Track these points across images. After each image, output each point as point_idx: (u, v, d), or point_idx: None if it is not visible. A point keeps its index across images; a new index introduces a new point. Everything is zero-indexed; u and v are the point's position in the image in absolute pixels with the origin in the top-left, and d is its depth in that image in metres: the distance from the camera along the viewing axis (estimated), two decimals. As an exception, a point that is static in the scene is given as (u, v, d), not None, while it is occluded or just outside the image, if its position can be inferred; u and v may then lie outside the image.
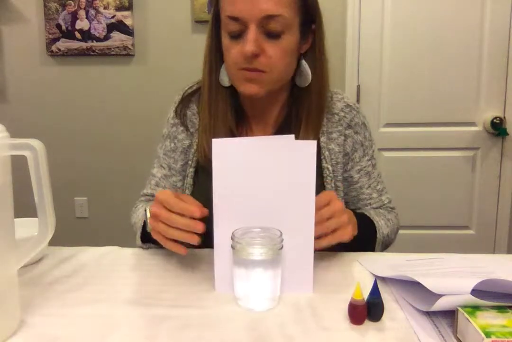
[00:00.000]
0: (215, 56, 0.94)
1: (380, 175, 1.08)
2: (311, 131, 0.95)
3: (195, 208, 0.72)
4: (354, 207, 1.05)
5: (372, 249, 0.95)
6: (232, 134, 0.96)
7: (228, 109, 0.96)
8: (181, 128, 1.03)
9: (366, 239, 0.93)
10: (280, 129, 0.99)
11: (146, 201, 1.06)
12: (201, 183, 1.00)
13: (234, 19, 0.84)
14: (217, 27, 0.92)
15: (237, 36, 0.85)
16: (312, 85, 0.94)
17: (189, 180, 1.00)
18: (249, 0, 0.82)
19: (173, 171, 1.04)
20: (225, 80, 0.95)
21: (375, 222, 0.96)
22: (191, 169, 1.00)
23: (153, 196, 1.05)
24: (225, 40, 0.88)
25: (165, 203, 0.74)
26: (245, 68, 0.86)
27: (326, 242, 0.76)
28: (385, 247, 1.00)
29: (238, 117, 0.99)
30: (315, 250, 0.73)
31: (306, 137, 0.93)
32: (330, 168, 0.98)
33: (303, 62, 0.93)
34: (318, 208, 0.73)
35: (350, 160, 1.02)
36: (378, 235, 0.94)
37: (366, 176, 1.03)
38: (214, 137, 0.92)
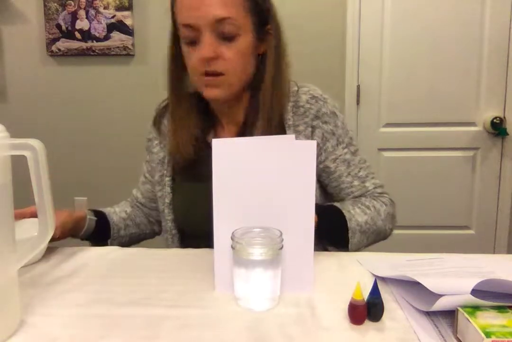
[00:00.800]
0: (177, 64, 0.97)
1: (364, 161, 1.05)
2: (274, 128, 0.96)
3: None
4: (338, 198, 1.04)
5: (346, 239, 0.93)
6: (195, 138, 1.00)
7: (192, 116, 1.00)
8: (156, 142, 1.09)
9: (335, 228, 0.93)
10: (244, 128, 1.00)
11: (127, 201, 1.19)
12: (180, 190, 1.05)
13: (188, 26, 0.87)
14: (177, 35, 0.95)
15: (193, 42, 0.89)
16: (266, 85, 0.95)
17: (167, 188, 1.05)
18: (198, 6, 0.85)
19: (147, 179, 1.14)
20: (190, 86, 0.99)
21: (344, 212, 0.94)
22: (167, 179, 1.05)
23: (134, 197, 1.18)
24: (184, 48, 0.92)
25: None
26: (205, 73, 0.90)
27: None
28: (376, 235, 0.98)
29: (209, 118, 1.04)
30: None
31: (269, 134, 0.95)
32: None
33: (261, 63, 0.96)
34: None
35: (323, 151, 1.00)
36: (350, 224, 0.93)
37: (343, 164, 1.01)
38: (178, 140, 0.99)
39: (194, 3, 0.86)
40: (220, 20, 0.86)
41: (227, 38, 0.88)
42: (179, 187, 1.05)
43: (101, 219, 1.06)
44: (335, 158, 1.01)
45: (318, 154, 1.00)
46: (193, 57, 0.90)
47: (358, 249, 0.97)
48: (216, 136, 1.03)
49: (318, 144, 0.99)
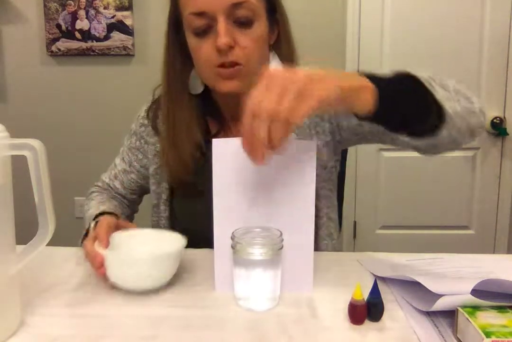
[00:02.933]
0: (180, 62, 0.90)
1: None
2: None
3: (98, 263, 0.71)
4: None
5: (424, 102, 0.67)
6: (199, 148, 0.91)
7: (194, 122, 0.91)
8: (153, 131, 1.00)
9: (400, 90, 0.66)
10: None
11: (102, 191, 1.08)
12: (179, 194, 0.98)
13: (199, 14, 0.80)
14: (174, 31, 0.88)
15: (204, 32, 0.81)
16: None
17: (165, 184, 0.98)
18: None
19: (133, 168, 1.05)
20: (196, 87, 0.91)
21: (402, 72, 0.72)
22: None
23: (110, 186, 1.08)
24: (192, 40, 0.84)
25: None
26: (221, 65, 0.82)
27: (290, 112, 0.55)
28: (464, 99, 0.72)
29: (216, 120, 0.96)
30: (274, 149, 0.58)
31: None
32: None
33: (273, 53, 0.89)
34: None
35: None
36: (418, 78, 0.69)
37: None
38: (180, 153, 0.89)
39: None
40: (237, 4, 0.79)
41: (243, 23, 0.81)
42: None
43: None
44: None
45: (334, 130, 0.93)
46: (205, 48, 0.82)
47: (456, 122, 0.70)
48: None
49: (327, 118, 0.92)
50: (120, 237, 0.77)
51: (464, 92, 0.74)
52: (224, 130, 0.96)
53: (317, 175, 0.91)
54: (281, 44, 0.90)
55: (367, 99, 0.62)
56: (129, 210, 1.09)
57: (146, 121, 1.02)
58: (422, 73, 0.72)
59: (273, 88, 0.56)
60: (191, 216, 0.97)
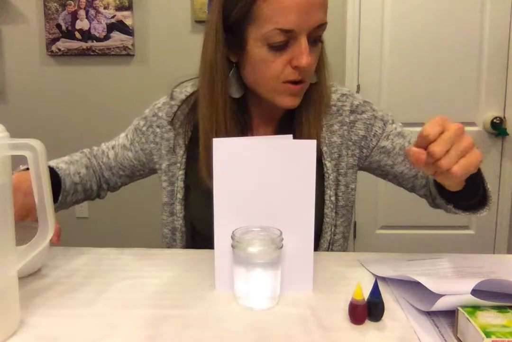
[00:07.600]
0: (225, 67, 0.87)
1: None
2: (314, 127, 0.92)
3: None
4: (410, 173, 0.98)
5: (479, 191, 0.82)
6: None
7: (234, 124, 0.91)
8: (169, 126, 1.00)
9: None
10: (281, 127, 0.97)
11: (87, 156, 1.09)
12: (195, 186, 0.98)
13: (286, 31, 0.79)
14: (222, 31, 0.85)
15: (280, 47, 0.81)
16: (318, 81, 0.92)
17: (180, 183, 0.98)
18: (305, 11, 0.78)
19: (132, 147, 1.05)
20: (234, 92, 0.90)
21: None
22: (181, 172, 0.98)
23: (104, 153, 1.08)
24: (263, 52, 0.82)
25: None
26: (290, 81, 0.83)
27: (462, 169, 0.62)
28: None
29: (242, 118, 0.95)
30: (456, 176, 0.62)
31: (309, 134, 0.91)
32: (329, 164, 0.95)
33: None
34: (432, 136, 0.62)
35: (372, 137, 0.97)
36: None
37: (399, 137, 0.97)
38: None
39: (303, 7, 0.78)
40: (321, 25, 0.81)
41: (316, 42, 0.84)
42: (194, 183, 0.97)
43: (53, 181, 0.84)
44: (387, 135, 0.97)
45: (363, 147, 0.97)
46: (278, 63, 0.82)
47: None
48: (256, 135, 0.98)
49: (364, 137, 0.97)
50: None
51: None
52: (247, 129, 0.97)
53: (339, 194, 0.98)
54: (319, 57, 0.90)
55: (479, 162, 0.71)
56: (97, 182, 1.09)
57: (161, 114, 1.02)
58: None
59: (447, 133, 0.62)
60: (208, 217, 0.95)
